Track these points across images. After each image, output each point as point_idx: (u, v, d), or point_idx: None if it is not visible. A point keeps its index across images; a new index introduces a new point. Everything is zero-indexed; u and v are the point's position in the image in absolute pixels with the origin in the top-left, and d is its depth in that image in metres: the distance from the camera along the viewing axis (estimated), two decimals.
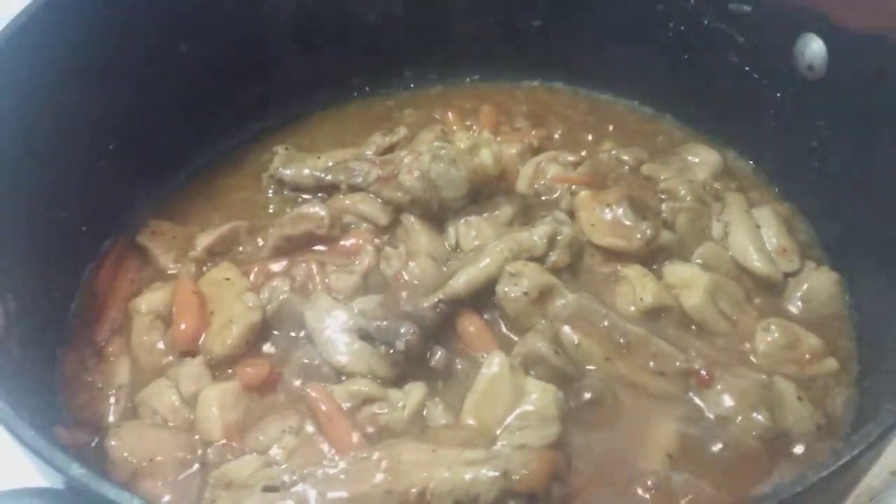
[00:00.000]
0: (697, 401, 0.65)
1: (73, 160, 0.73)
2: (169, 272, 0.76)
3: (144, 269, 0.77)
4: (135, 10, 0.76)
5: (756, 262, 0.73)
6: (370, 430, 0.63)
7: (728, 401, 0.64)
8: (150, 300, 0.71)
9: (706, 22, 0.83)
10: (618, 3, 0.87)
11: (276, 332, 0.69)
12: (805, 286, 0.73)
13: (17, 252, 0.65)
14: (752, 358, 0.68)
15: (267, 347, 0.69)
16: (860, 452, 0.44)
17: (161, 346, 0.69)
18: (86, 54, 0.72)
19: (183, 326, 0.69)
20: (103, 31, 0.74)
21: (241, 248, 0.78)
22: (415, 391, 0.65)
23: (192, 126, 0.84)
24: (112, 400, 0.66)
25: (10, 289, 0.61)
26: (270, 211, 0.82)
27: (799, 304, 0.72)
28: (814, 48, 0.73)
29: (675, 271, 0.72)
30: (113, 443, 0.61)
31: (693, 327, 0.70)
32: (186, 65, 0.82)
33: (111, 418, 0.66)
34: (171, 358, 0.69)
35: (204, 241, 0.76)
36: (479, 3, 0.91)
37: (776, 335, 0.68)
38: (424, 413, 0.64)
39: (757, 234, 0.75)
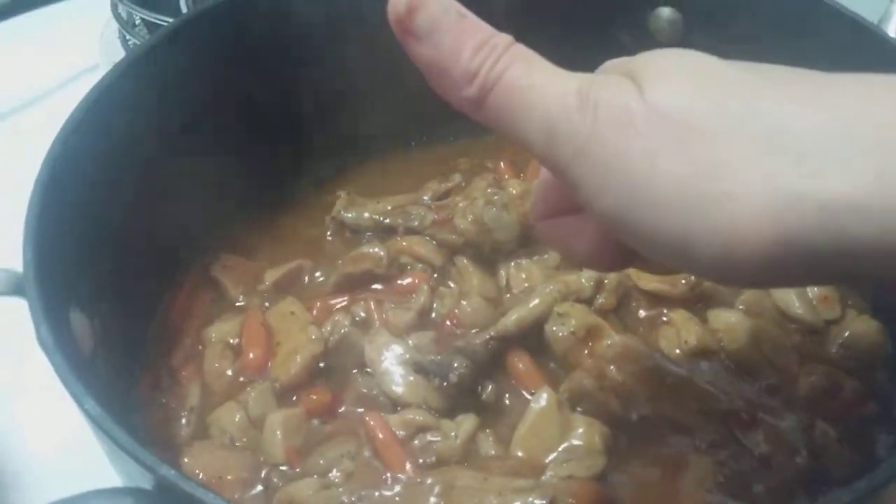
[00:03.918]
0: (739, 441, 0.67)
1: (155, 200, 0.79)
2: (237, 304, 0.81)
3: (216, 300, 0.81)
4: (213, 64, 0.81)
5: (798, 310, 0.76)
6: (423, 457, 0.66)
7: (769, 442, 0.66)
8: (221, 330, 0.76)
9: None
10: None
11: (337, 363, 0.73)
12: (847, 333, 0.75)
13: (104, 281, 0.70)
14: (794, 401, 0.70)
15: (328, 377, 0.73)
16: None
17: (230, 372, 0.74)
18: (168, 105, 0.78)
19: (251, 355, 0.73)
20: (181, 84, 0.79)
21: (305, 284, 0.82)
22: (466, 422, 0.68)
23: (261, 169, 0.90)
24: (184, 421, 0.71)
25: (98, 314, 0.66)
26: (332, 250, 0.86)
27: (840, 350, 0.74)
28: None
29: (719, 316, 0.75)
30: (186, 460, 0.66)
31: (736, 370, 0.72)
32: (258, 115, 0.87)
33: (182, 437, 0.70)
34: (239, 382, 0.73)
35: (272, 276, 0.81)
36: None
37: (818, 379, 0.70)
38: (475, 443, 0.67)
39: None
